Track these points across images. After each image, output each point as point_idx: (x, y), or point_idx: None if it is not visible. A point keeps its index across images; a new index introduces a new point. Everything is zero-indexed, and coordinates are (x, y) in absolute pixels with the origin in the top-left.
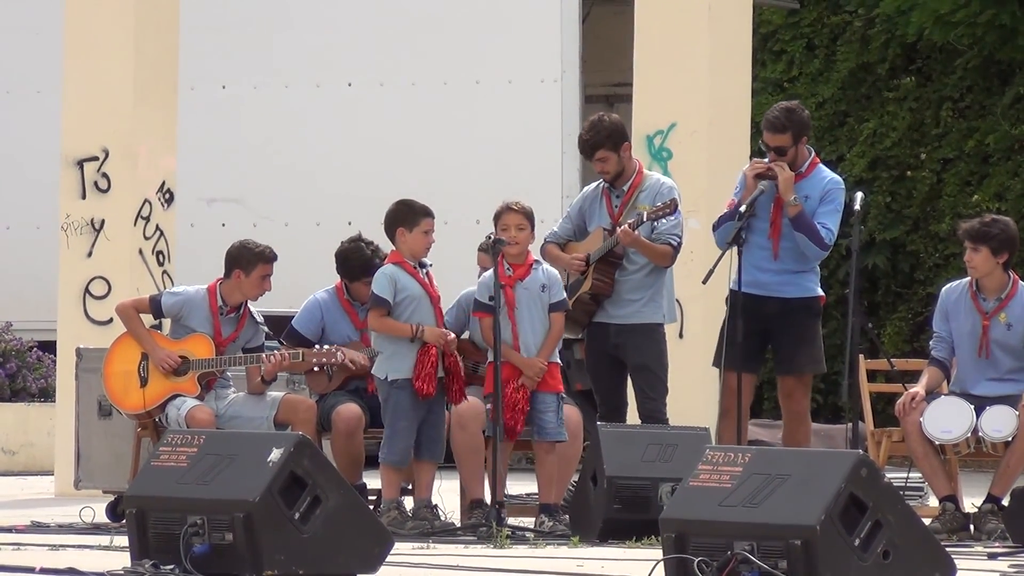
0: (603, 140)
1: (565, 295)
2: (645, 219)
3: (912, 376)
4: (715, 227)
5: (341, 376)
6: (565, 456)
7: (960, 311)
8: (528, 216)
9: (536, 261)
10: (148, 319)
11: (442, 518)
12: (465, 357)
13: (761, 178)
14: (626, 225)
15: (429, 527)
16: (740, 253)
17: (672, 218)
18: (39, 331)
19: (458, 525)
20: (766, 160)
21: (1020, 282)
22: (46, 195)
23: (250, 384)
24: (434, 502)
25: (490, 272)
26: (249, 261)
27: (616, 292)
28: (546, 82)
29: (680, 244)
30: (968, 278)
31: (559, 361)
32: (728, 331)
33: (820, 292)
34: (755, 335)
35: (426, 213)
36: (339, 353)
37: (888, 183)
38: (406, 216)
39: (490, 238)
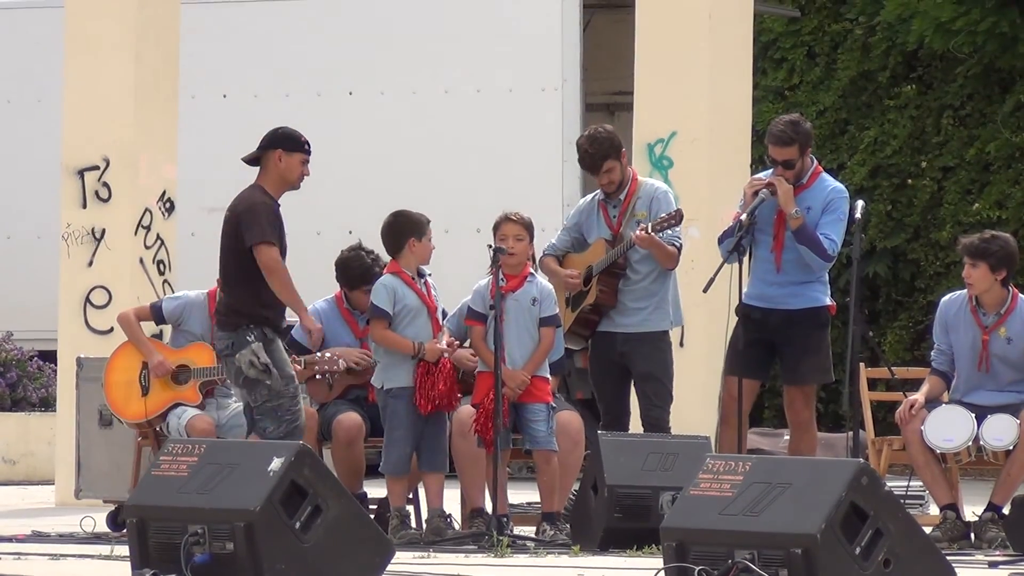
0: (608, 150)
1: (557, 311)
2: (651, 231)
3: (913, 384)
4: (720, 240)
5: (342, 385)
6: (566, 464)
7: (960, 325)
8: (527, 227)
9: (531, 274)
10: (150, 327)
11: (456, 527)
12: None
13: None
14: (639, 230)
15: (441, 536)
16: (741, 263)
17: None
18: (40, 340)
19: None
20: (763, 176)
21: (1020, 296)
22: (47, 204)
23: None
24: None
25: (485, 280)
26: None
27: (621, 302)
28: (547, 91)
29: (681, 246)
30: (967, 291)
31: (547, 376)
32: (731, 339)
33: (828, 301)
34: (761, 344)
35: (428, 220)
36: (340, 360)
37: (889, 191)
38: (413, 226)
39: (491, 247)
